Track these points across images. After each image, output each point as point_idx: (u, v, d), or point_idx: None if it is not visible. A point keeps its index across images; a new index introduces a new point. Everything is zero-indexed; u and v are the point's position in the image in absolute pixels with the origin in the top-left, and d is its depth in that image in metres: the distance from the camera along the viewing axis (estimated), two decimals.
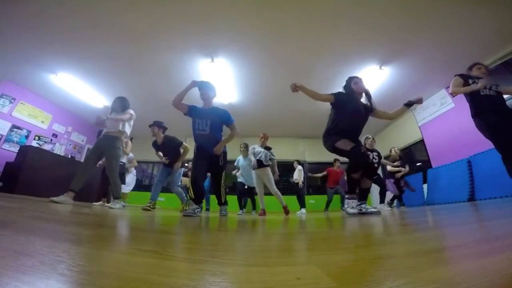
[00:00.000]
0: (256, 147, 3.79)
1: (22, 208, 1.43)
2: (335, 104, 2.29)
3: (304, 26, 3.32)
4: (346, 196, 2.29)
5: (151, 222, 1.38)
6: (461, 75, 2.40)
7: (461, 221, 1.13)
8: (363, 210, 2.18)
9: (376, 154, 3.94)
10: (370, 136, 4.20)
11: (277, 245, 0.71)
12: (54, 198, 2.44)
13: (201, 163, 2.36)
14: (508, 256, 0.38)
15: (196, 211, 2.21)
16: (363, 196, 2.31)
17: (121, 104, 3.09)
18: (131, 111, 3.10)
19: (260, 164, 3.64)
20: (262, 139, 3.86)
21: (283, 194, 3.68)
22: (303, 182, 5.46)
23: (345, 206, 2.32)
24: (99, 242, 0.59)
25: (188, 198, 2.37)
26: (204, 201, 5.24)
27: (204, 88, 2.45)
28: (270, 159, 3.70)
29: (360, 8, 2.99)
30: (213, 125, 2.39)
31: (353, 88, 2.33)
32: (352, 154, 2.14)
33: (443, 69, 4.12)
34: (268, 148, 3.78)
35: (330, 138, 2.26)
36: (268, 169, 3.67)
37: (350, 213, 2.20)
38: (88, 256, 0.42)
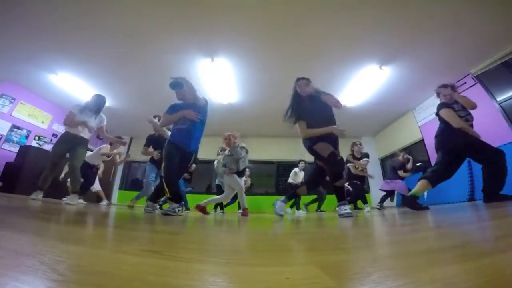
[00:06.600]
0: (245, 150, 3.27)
1: (22, 208, 1.43)
2: (300, 121, 2.21)
3: (305, 26, 3.32)
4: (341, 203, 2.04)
5: (150, 222, 1.38)
6: (447, 105, 2.33)
7: (461, 221, 1.13)
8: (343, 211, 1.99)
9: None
10: (357, 142, 4.04)
11: (277, 245, 0.71)
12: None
13: (175, 160, 2.27)
14: (508, 256, 0.38)
15: (177, 209, 2.18)
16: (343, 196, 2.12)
17: (96, 104, 3.15)
18: (104, 121, 3.25)
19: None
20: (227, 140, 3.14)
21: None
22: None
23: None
24: (99, 242, 0.59)
25: (165, 197, 2.33)
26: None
27: (174, 87, 2.37)
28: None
29: (360, 8, 2.99)
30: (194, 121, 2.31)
31: (297, 90, 2.28)
32: (329, 162, 2.04)
33: (442, 69, 4.11)
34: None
35: (309, 140, 2.16)
36: None
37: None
38: (88, 256, 0.42)
